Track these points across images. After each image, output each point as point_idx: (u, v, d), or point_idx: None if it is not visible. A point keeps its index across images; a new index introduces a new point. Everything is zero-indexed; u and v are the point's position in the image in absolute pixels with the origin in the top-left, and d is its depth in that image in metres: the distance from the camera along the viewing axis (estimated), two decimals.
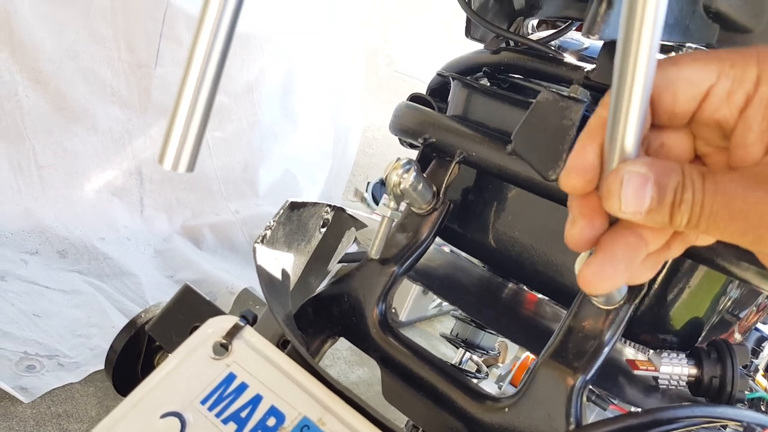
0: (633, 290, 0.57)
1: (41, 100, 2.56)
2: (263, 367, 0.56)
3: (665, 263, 0.65)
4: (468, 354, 1.26)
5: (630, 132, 0.34)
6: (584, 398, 0.57)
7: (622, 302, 0.57)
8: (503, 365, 1.73)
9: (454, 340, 1.21)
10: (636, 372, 0.64)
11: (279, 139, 3.36)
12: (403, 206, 0.70)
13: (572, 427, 0.55)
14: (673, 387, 0.64)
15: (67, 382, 1.84)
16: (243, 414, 0.53)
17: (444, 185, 0.68)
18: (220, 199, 3.15)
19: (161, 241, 2.97)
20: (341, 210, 0.86)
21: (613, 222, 0.37)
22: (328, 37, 3.41)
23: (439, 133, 0.68)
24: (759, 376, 1.02)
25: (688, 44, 0.71)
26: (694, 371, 0.64)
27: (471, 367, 1.45)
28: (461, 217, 0.76)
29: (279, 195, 3.33)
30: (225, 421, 0.53)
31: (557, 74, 0.70)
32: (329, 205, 0.84)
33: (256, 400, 0.54)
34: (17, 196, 2.51)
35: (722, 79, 0.34)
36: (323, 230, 0.84)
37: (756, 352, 1.06)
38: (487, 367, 1.61)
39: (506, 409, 0.59)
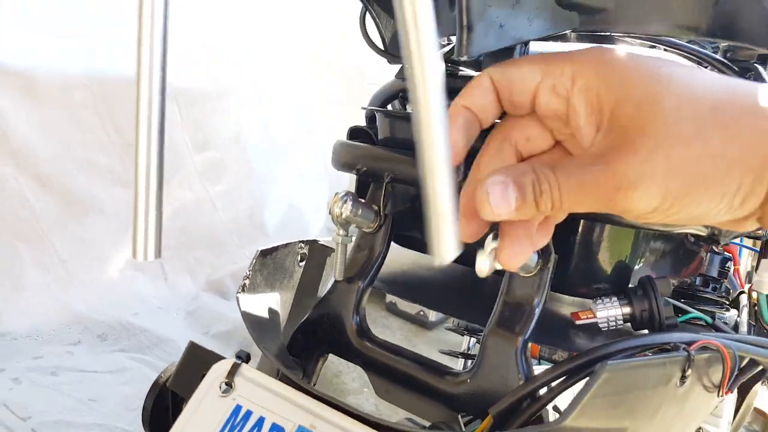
0: (544, 257, 0.68)
1: (50, 200, 2.72)
2: (262, 394, 0.68)
3: (575, 232, 0.76)
4: (473, 339, 1.36)
5: (439, 149, 0.41)
6: (527, 354, 0.68)
7: (539, 268, 0.68)
8: None
9: (458, 330, 1.32)
10: (578, 322, 0.74)
11: (276, 178, 3.50)
12: (353, 230, 0.81)
13: (522, 381, 0.66)
14: (613, 327, 0.74)
15: None
16: None
17: (381, 204, 0.79)
18: (234, 249, 3.30)
19: (189, 301, 3.12)
20: (315, 242, 0.98)
21: None
22: (306, 68, 3.54)
23: (368, 162, 0.79)
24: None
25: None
26: (628, 310, 0.74)
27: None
28: (410, 223, 0.87)
29: (288, 230, 3.47)
30: None
31: (460, 87, 0.81)
32: (302, 241, 0.96)
33: (260, 422, 0.66)
34: (49, 293, 2.68)
35: (546, 77, 0.45)
36: (302, 264, 0.96)
37: (723, 274, 1.14)
38: None
39: (468, 380, 0.70)
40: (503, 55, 0.76)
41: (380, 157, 0.79)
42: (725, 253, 1.15)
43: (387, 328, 3.25)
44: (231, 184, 3.28)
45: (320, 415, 0.64)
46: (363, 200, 0.78)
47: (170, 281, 3.10)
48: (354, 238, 0.82)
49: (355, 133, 0.94)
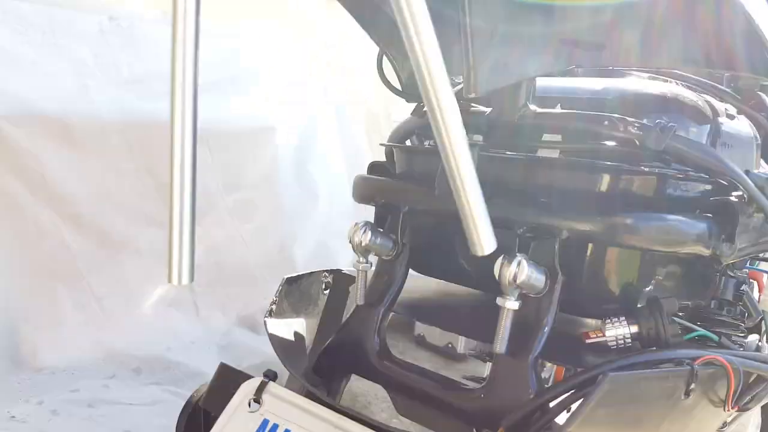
0: (552, 277, 0.72)
1: (87, 241, 2.81)
2: (288, 409, 0.73)
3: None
4: None
5: None
6: (537, 370, 0.72)
7: (547, 288, 0.72)
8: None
9: (480, 356, 1.35)
10: (588, 341, 0.78)
11: (304, 214, 3.57)
12: (372, 258, 0.87)
13: (532, 396, 0.70)
14: (622, 346, 0.78)
15: None
16: None
17: (399, 233, 0.85)
18: (265, 284, 3.36)
19: (221, 336, 3.16)
20: (338, 271, 1.04)
21: None
22: (331, 105, 3.64)
23: (386, 195, 0.86)
24: None
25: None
26: (635, 329, 0.77)
27: None
28: (428, 253, 0.92)
29: (317, 265, 3.51)
30: None
31: (467, 122, 0.87)
32: (326, 270, 1.02)
33: None
34: (86, 330, 2.76)
35: None
36: (327, 292, 1.01)
37: (738, 297, 1.15)
38: None
39: (482, 396, 0.73)
40: (511, 90, 0.82)
41: (396, 190, 0.85)
42: (740, 277, 1.16)
43: (416, 361, 3.25)
44: (261, 222, 3.37)
45: (342, 427, 0.69)
46: (381, 230, 0.84)
47: (202, 317, 3.16)
48: (374, 266, 0.87)
49: (374, 167, 1.01)
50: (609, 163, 0.76)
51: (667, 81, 1.06)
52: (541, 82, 0.91)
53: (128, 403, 2.55)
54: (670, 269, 0.86)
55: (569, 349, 0.81)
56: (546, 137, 0.82)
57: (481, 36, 0.70)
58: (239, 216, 3.31)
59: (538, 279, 0.70)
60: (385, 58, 1.00)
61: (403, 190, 0.84)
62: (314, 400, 0.72)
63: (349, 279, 1.05)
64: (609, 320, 0.78)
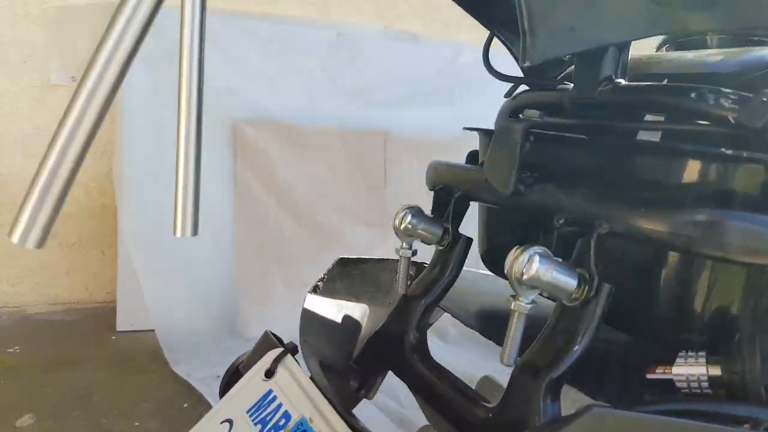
0: (589, 283, 0.57)
1: (302, 231, 3.15)
2: (290, 384, 0.71)
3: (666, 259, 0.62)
4: None
5: None
6: (556, 394, 0.58)
7: (583, 296, 0.57)
8: None
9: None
10: (648, 376, 0.60)
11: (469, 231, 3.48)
12: (416, 245, 0.80)
13: (538, 422, 0.57)
14: (696, 390, 0.58)
15: None
16: (268, 418, 0.68)
17: (450, 221, 0.76)
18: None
19: None
20: (420, 264, 0.97)
21: None
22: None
23: (444, 179, 0.78)
24: None
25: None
26: (716, 371, 0.58)
27: None
28: (497, 249, 0.82)
29: None
30: (255, 423, 0.69)
31: (552, 101, 0.75)
32: None
33: (278, 408, 0.69)
34: (291, 311, 3.06)
35: None
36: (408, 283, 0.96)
37: None
38: None
39: (491, 414, 0.62)
40: (591, 60, 0.68)
41: (454, 175, 0.77)
42: None
43: None
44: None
45: (321, 411, 0.65)
46: (432, 216, 0.77)
47: None
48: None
49: (469, 155, 0.93)
50: (669, 143, 0.58)
51: None
52: (657, 55, 0.74)
53: None
54: None
55: (621, 381, 0.64)
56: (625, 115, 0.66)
57: None
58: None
59: (561, 280, 0.56)
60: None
61: (458, 174, 0.76)
62: (312, 381, 0.69)
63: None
64: (683, 354, 0.60)
